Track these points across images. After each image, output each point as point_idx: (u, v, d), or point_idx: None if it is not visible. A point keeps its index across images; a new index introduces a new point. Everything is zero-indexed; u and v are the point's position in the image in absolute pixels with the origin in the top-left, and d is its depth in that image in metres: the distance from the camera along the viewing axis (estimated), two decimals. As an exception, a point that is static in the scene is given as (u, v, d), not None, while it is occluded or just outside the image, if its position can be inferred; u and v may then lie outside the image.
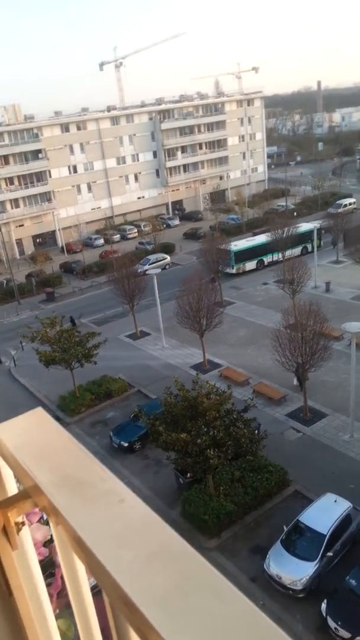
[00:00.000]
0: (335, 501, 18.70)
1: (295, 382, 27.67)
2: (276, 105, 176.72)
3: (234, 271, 49.76)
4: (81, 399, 29.45)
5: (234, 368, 31.97)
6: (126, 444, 25.05)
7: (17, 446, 1.09)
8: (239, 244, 51.36)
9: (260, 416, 25.39)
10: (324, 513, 18.25)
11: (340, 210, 65.63)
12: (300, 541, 17.85)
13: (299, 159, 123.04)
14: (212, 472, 19.78)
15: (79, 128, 70.91)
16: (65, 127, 69.89)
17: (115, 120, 73.97)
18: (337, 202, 70.73)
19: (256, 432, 21.34)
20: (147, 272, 42.48)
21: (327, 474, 21.77)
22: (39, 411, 1.21)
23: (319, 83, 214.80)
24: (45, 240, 70.12)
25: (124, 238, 68.67)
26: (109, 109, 75.64)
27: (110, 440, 25.76)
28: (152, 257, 55.53)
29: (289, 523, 18.40)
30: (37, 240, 69.73)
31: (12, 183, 65.93)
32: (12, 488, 1.15)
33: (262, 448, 20.73)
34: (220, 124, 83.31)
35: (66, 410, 29.14)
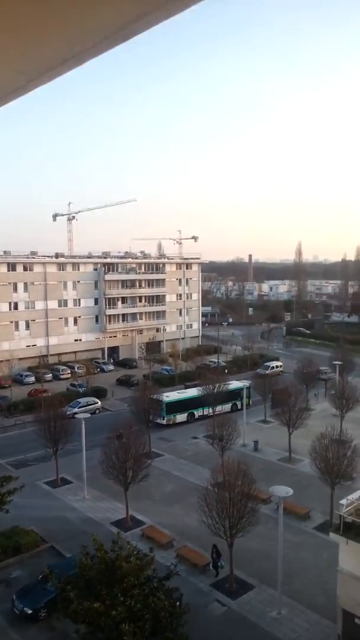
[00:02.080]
0: None
1: (210, 566, 25.60)
2: (212, 270, 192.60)
3: (164, 422, 49.41)
4: (-16, 554, 26.18)
5: (158, 527, 30.07)
6: (30, 611, 22.09)
7: None
8: (171, 396, 51.79)
9: (184, 585, 23.50)
10: None
11: (268, 371, 68.89)
12: None
13: (230, 320, 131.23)
14: (125, 651, 17.40)
15: (25, 269, 73.28)
16: (12, 266, 72.08)
17: (61, 266, 77.44)
18: (266, 363, 74.49)
19: (178, 604, 19.49)
20: (75, 415, 41.32)
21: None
22: None
23: (250, 256, 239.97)
24: (-27, 372, 67.70)
25: (56, 378, 67.59)
26: (57, 256, 79.44)
27: (12, 605, 22.56)
28: (82, 400, 54.44)
29: None
30: (-35, 371, 67.20)
31: None
32: None
33: (184, 624, 18.70)
34: (160, 282, 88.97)
35: (-35, 566, 25.65)
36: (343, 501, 19.64)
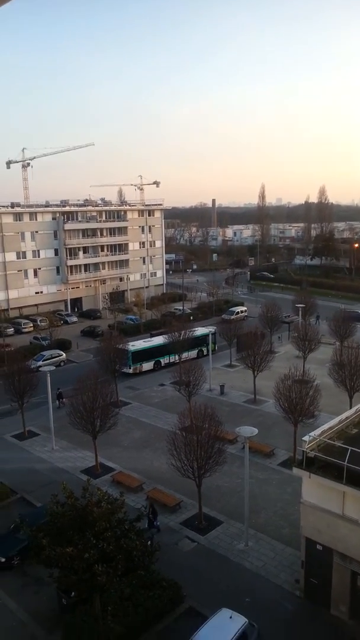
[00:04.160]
0: (231, 617, 17.64)
1: (146, 525, 24.32)
2: (175, 217, 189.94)
3: (130, 371, 49.62)
4: None
5: (128, 472, 30.64)
6: (3, 559, 22.46)
7: None
8: (137, 344, 51.78)
9: (154, 525, 24.20)
10: (218, 631, 17.06)
11: (233, 317, 69.54)
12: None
13: (195, 267, 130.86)
14: (99, 590, 17.97)
15: (-21, 220, 70.41)
16: (-36, 217, 69.10)
17: (18, 216, 74.61)
18: (230, 309, 75.07)
19: (149, 543, 20.08)
20: (40, 369, 40.97)
21: (222, 587, 20.73)
22: None
23: (213, 201, 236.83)
24: None
25: (18, 332, 66.55)
26: (12, 205, 76.34)
27: (-15, 556, 22.80)
28: (46, 353, 53.93)
29: (182, 646, 16.89)
30: None
31: None
32: None
33: (155, 561, 19.39)
34: (122, 230, 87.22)
35: None
36: (305, 438, 20.20)
